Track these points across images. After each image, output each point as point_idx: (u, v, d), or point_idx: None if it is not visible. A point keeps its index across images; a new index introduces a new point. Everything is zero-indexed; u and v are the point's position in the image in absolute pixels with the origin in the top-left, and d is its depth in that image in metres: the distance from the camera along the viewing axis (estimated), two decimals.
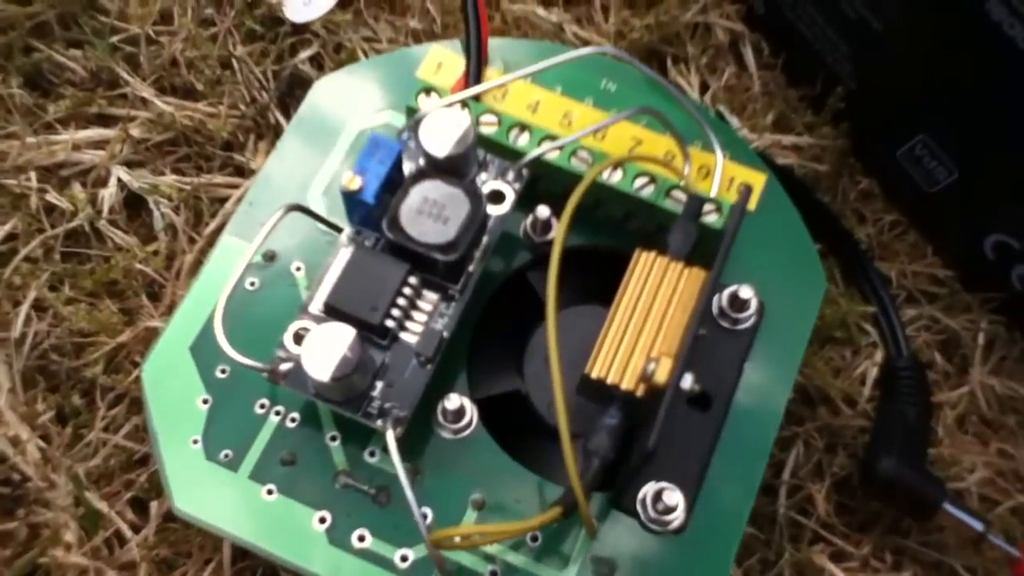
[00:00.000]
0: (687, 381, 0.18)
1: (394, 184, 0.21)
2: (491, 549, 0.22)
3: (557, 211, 0.23)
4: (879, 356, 0.29)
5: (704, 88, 0.31)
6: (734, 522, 0.22)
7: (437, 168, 0.21)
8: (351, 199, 0.21)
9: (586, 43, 0.30)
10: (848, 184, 0.31)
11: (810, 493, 0.27)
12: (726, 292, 0.23)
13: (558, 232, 0.20)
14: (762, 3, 0.31)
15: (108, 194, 0.27)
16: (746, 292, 0.22)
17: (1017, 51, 0.23)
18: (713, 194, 0.23)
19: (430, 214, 0.21)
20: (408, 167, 0.22)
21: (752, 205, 0.25)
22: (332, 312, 0.21)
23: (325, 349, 0.19)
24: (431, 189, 0.21)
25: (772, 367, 0.24)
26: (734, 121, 0.30)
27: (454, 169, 0.22)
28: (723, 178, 0.25)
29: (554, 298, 0.19)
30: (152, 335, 0.26)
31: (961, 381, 0.29)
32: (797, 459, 0.27)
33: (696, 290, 0.19)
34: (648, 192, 0.23)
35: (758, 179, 0.25)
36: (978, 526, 0.25)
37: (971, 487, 0.27)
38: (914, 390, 0.27)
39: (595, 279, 0.24)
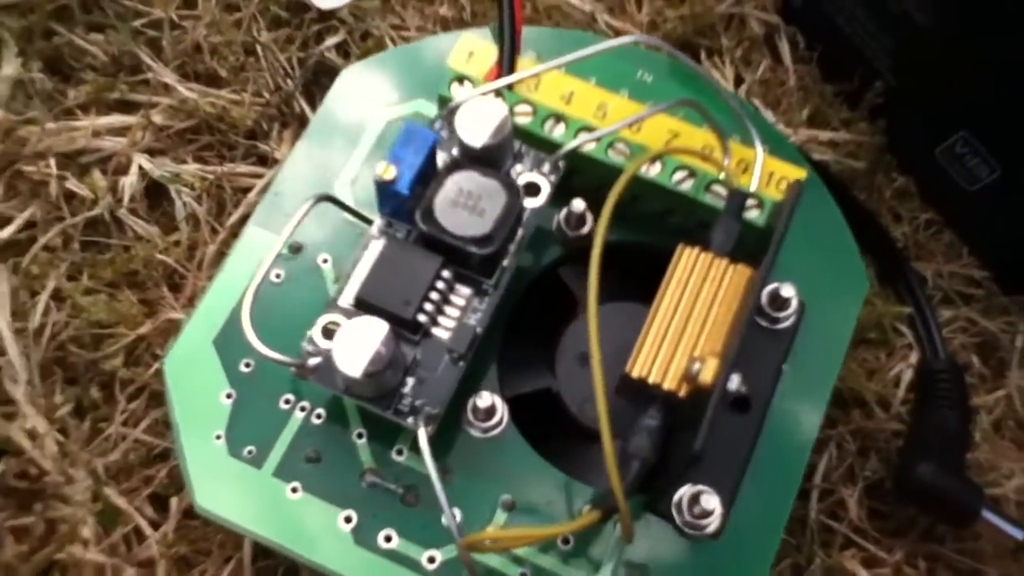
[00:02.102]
0: (734, 382, 0.18)
1: (427, 175, 0.21)
2: (521, 551, 0.21)
3: (591, 205, 0.22)
4: (914, 358, 0.28)
5: (739, 81, 0.30)
6: (771, 528, 0.22)
7: (472, 159, 0.21)
8: (385, 189, 0.20)
9: (619, 33, 0.29)
10: (884, 181, 0.30)
11: (842, 497, 0.26)
12: (766, 290, 0.22)
13: (599, 227, 0.19)
14: None
15: (129, 182, 0.27)
16: (787, 291, 0.22)
17: None
18: (753, 189, 0.23)
19: (465, 206, 0.20)
20: (441, 157, 0.22)
21: None
22: (363, 306, 0.20)
23: (357, 344, 0.19)
24: (467, 180, 0.20)
25: (811, 369, 0.23)
26: (769, 115, 0.29)
27: (490, 160, 0.21)
28: (762, 173, 0.24)
29: (595, 295, 0.18)
30: (173, 327, 0.26)
31: (998, 384, 0.28)
32: (830, 462, 0.27)
33: (741, 288, 0.19)
34: (687, 186, 0.23)
35: (798, 174, 0.25)
36: (1018, 534, 0.25)
37: (1009, 494, 0.27)
38: (953, 393, 0.27)
39: (630, 276, 0.23)
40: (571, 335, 0.24)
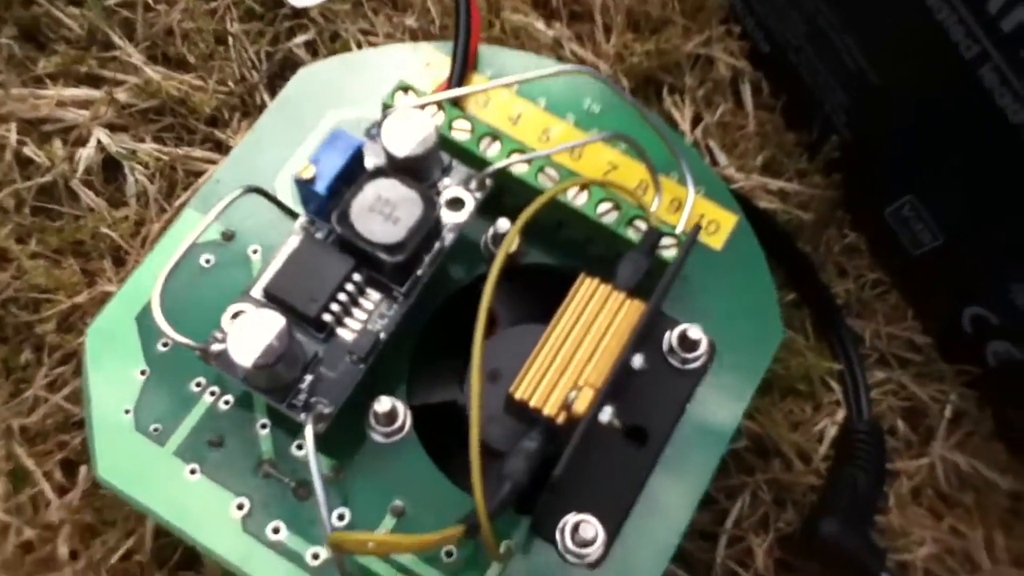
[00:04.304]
0: (606, 414, 0.18)
1: (353, 178, 0.21)
2: (406, 560, 0.21)
3: None
4: (840, 415, 0.28)
5: (697, 121, 0.30)
6: (656, 562, 0.22)
7: (397, 168, 0.21)
8: (305, 188, 0.21)
9: (582, 61, 0.29)
10: (834, 236, 0.30)
11: (751, 546, 0.26)
12: (676, 330, 0.22)
13: (504, 241, 0.20)
14: (766, 42, 0.30)
15: (86, 154, 0.27)
16: (695, 332, 0.22)
17: (1007, 124, 0.23)
18: (680, 229, 0.23)
19: (381, 212, 0.20)
20: (372, 163, 0.22)
21: (719, 244, 0.25)
22: (271, 299, 0.21)
23: (253, 335, 0.19)
24: (387, 188, 0.21)
25: (717, 411, 0.23)
26: (722, 158, 0.30)
27: (414, 171, 0.21)
28: (693, 214, 0.25)
29: (486, 307, 0.18)
30: (107, 299, 0.26)
31: (923, 452, 0.28)
32: (742, 509, 0.27)
33: (634, 322, 0.19)
34: (610, 219, 0.23)
35: (729, 219, 0.25)
36: None
37: (917, 561, 0.27)
38: (868, 455, 0.27)
39: (553, 299, 0.24)
40: (485, 351, 0.24)
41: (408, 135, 0.21)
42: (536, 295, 0.24)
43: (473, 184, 0.22)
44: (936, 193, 0.27)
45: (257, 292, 0.21)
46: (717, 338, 0.23)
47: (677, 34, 0.30)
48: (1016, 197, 0.24)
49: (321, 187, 0.20)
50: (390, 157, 0.21)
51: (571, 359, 0.19)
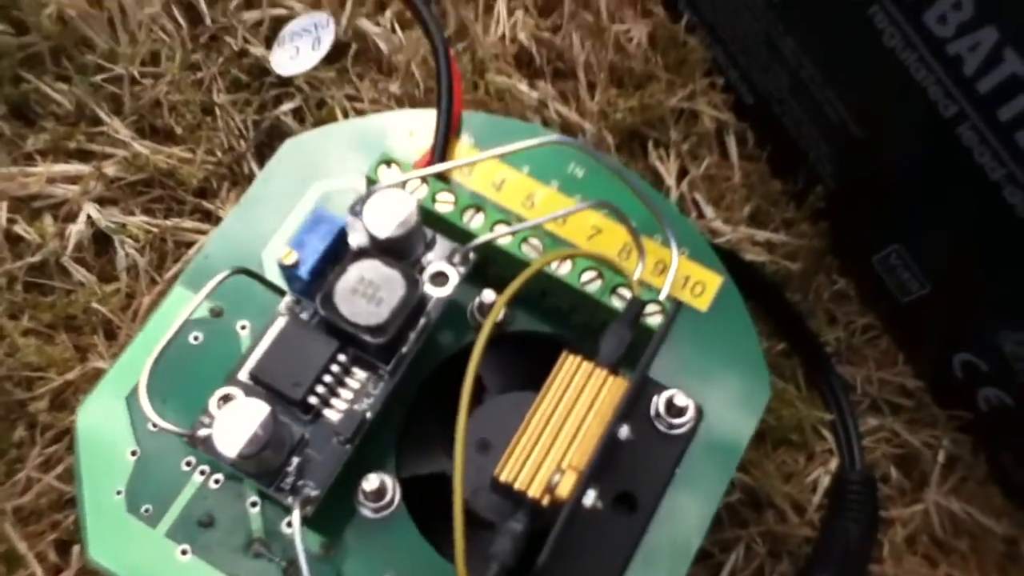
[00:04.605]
0: (590, 498, 0.18)
1: (337, 257, 0.21)
2: None
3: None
4: (833, 464, 0.28)
5: (683, 174, 0.30)
6: None
7: (379, 248, 0.21)
8: (288, 272, 0.21)
9: (566, 120, 0.30)
10: (824, 283, 0.31)
11: None
12: (664, 395, 0.22)
13: (489, 315, 0.20)
14: (751, 93, 0.31)
15: (76, 230, 0.28)
16: (681, 400, 0.22)
17: (987, 181, 0.23)
18: (664, 294, 0.23)
19: (364, 294, 0.21)
20: (356, 240, 0.22)
21: (704, 306, 0.25)
22: (257, 382, 0.21)
23: (237, 425, 0.19)
24: (369, 269, 0.21)
25: (705, 472, 0.23)
26: (709, 211, 0.30)
27: (397, 249, 0.22)
28: (679, 276, 0.25)
29: (470, 383, 0.18)
30: (99, 376, 0.26)
31: (917, 498, 0.28)
32: (737, 562, 0.27)
33: (616, 401, 0.19)
34: (594, 287, 0.23)
35: (714, 280, 0.25)
36: None
37: None
38: (860, 506, 0.27)
39: (540, 366, 0.24)
40: (474, 420, 0.24)
41: (389, 215, 0.21)
42: (523, 361, 0.24)
43: (457, 258, 0.22)
44: (922, 242, 0.27)
45: (244, 375, 0.21)
46: (705, 399, 0.23)
47: (661, 89, 0.30)
48: (999, 250, 0.24)
49: (304, 271, 0.20)
50: (372, 238, 0.21)
51: (555, 439, 0.19)
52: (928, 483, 0.28)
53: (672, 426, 0.23)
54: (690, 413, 0.22)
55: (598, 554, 0.21)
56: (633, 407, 0.20)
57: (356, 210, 0.23)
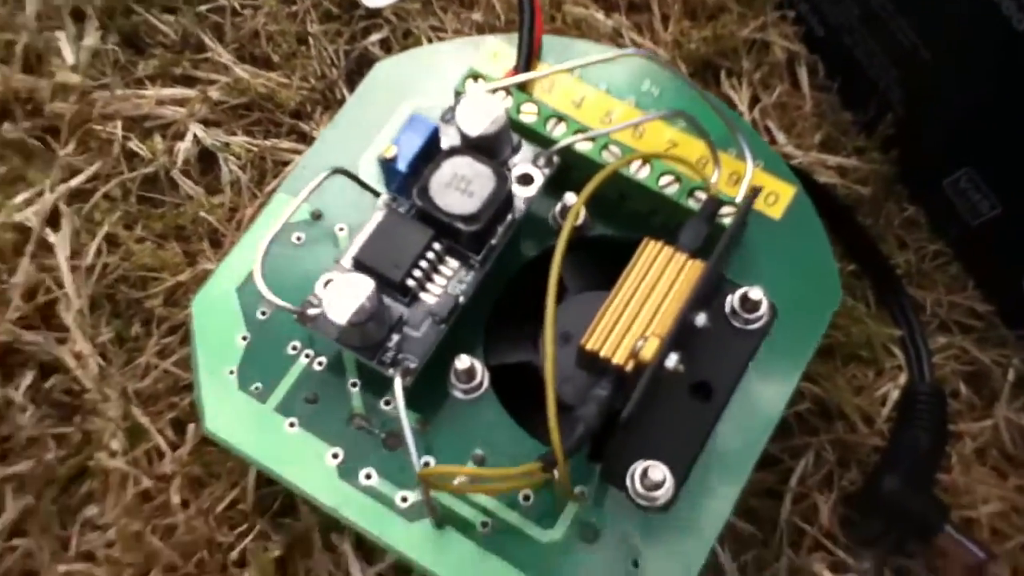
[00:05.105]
0: (672, 360, 0.19)
1: (431, 157, 0.23)
2: (486, 503, 0.23)
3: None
4: (903, 379, 0.29)
5: (754, 102, 0.31)
6: (719, 509, 0.23)
7: (470, 146, 0.23)
8: (387, 167, 0.23)
9: (640, 48, 0.31)
10: (894, 210, 0.31)
11: (815, 502, 0.27)
12: (738, 292, 0.24)
13: (571, 211, 0.21)
14: (821, 25, 0.32)
15: (184, 147, 0.30)
16: (756, 293, 0.23)
17: None
18: (740, 196, 0.24)
19: (457, 187, 0.22)
20: (448, 143, 0.24)
21: (778, 214, 0.26)
22: (359, 267, 0.23)
23: (346, 296, 0.21)
24: (462, 165, 0.23)
25: (774, 371, 0.24)
26: (781, 137, 0.31)
27: (487, 149, 0.23)
28: (752, 185, 0.26)
29: (556, 273, 0.20)
30: (208, 277, 0.29)
31: (986, 414, 0.29)
32: (806, 468, 0.28)
33: (695, 281, 0.20)
34: (672, 190, 0.24)
35: (788, 190, 0.26)
36: (980, 554, 0.25)
37: (982, 518, 0.27)
38: (930, 416, 0.27)
39: (617, 268, 0.25)
40: (556, 315, 0.25)
41: (480, 116, 0.23)
42: (601, 265, 0.26)
43: (541, 161, 0.24)
44: (993, 163, 0.28)
45: (347, 261, 0.23)
46: (777, 302, 0.24)
47: (733, 20, 0.31)
48: None
49: (403, 165, 0.22)
50: (464, 136, 0.23)
51: (637, 313, 0.21)
52: (998, 399, 0.29)
53: (747, 321, 0.24)
54: (764, 308, 0.23)
55: (677, 437, 0.23)
56: (713, 296, 0.21)
57: (447, 117, 0.25)
